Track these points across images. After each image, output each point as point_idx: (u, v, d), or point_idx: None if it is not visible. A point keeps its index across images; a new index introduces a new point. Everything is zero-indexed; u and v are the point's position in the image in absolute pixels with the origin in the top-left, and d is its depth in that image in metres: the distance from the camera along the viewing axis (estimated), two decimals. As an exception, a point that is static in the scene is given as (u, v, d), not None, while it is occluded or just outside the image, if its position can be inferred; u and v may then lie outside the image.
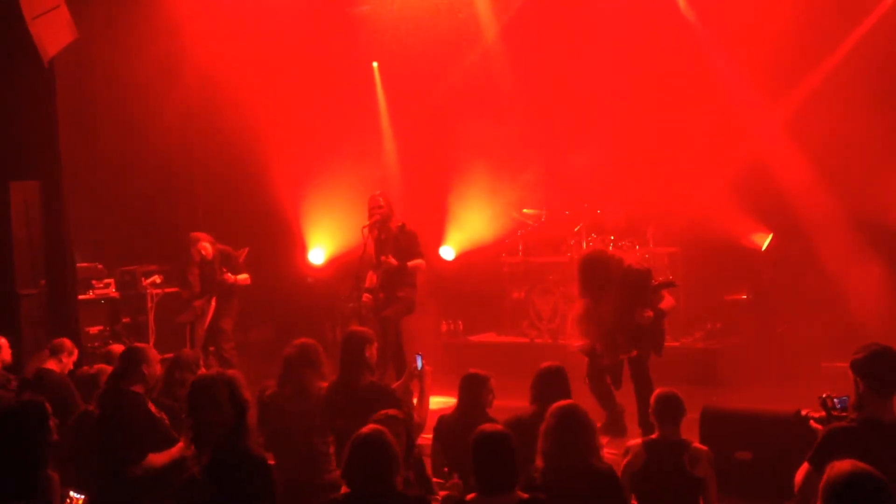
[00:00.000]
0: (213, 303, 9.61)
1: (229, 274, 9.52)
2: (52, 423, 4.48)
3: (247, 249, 9.84)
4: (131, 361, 5.73)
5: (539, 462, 4.51)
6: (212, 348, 9.67)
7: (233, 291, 9.70)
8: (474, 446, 4.24)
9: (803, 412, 4.76)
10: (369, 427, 4.25)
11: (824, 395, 4.55)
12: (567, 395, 5.63)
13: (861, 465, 3.28)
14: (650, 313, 7.21)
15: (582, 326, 7.47)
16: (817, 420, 4.59)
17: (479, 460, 4.21)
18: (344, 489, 4.24)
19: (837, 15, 9.83)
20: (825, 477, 3.29)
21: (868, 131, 9.25)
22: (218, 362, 9.54)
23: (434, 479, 5.39)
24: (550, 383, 5.68)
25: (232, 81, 11.12)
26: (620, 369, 7.47)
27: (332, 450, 5.96)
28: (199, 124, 11.58)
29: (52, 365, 7.27)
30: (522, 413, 5.61)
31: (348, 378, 6.03)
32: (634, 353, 7.35)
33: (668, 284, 7.51)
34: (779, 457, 5.68)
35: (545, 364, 5.82)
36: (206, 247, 9.54)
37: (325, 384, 6.09)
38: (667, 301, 7.45)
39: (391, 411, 4.96)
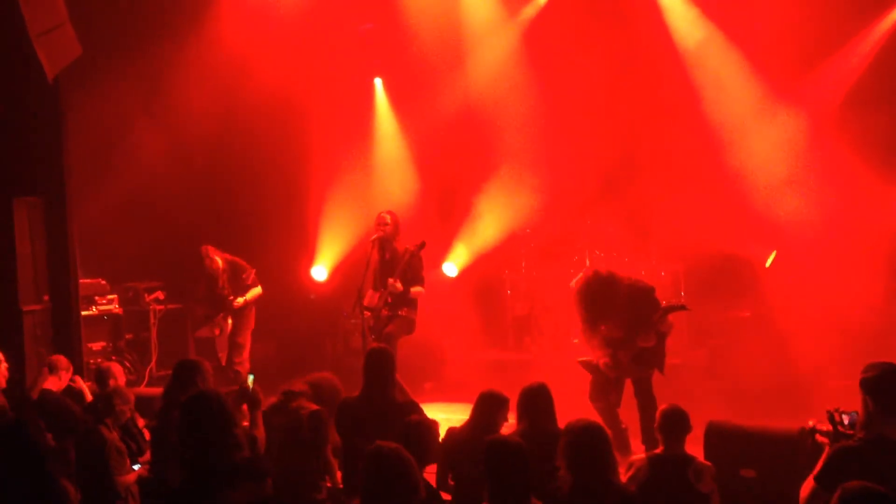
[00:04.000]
0: (230, 320, 9.88)
1: (238, 300, 9.81)
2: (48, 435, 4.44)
3: (253, 271, 10.01)
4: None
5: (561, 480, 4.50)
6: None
7: (247, 305, 9.95)
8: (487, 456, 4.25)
9: (809, 424, 4.74)
10: (387, 443, 4.21)
11: (832, 410, 4.53)
12: (551, 412, 5.69)
13: (871, 486, 3.28)
14: (654, 337, 7.20)
15: (586, 344, 7.48)
16: (823, 434, 4.58)
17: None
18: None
19: (846, 26, 9.86)
20: (835, 498, 3.28)
21: (874, 146, 9.24)
22: (233, 376, 9.67)
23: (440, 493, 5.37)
24: (535, 401, 5.70)
25: (236, 97, 11.15)
26: (621, 387, 7.47)
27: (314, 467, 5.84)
28: (202, 140, 11.59)
29: (51, 383, 7.27)
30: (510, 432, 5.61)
31: (373, 395, 6.00)
32: (638, 374, 7.35)
33: (679, 308, 7.43)
34: (783, 474, 5.64)
35: (529, 383, 5.83)
36: (217, 261, 9.83)
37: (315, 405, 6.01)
38: (667, 323, 7.42)
39: (424, 417, 4.97)
